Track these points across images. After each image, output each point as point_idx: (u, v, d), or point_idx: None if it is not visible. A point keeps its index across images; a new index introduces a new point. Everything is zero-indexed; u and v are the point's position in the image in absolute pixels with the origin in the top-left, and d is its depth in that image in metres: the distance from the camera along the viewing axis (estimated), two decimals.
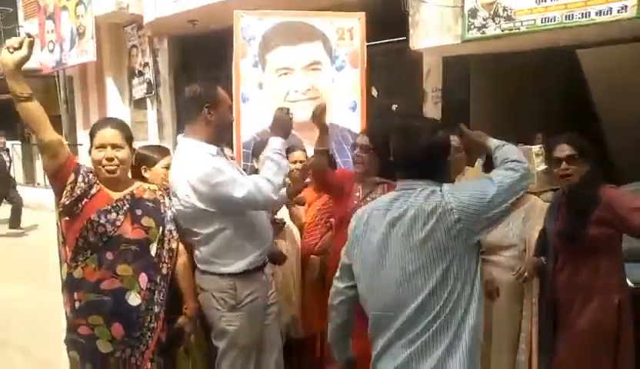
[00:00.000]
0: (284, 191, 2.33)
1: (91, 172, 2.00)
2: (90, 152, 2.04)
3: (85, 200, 1.95)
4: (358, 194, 2.66)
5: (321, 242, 2.90)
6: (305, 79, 3.44)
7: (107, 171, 2.00)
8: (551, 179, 3.00)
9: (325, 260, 2.85)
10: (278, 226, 2.74)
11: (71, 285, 1.99)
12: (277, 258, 2.54)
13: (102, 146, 1.99)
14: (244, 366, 2.23)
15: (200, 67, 7.42)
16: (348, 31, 3.43)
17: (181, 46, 7.72)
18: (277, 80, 3.45)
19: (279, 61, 3.44)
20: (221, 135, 2.26)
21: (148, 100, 8.11)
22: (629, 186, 3.28)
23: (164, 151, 2.56)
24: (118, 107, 8.55)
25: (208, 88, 2.19)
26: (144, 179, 2.32)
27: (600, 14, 3.78)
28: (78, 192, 1.94)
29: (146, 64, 7.95)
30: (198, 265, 2.24)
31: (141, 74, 8.10)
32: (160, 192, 2.19)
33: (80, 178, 1.95)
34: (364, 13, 3.51)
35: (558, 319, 2.44)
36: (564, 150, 2.39)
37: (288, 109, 2.33)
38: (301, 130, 3.23)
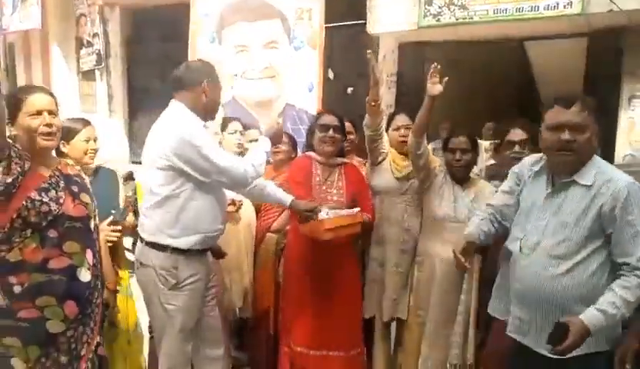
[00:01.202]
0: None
1: (17, 147, 1.82)
2: (14, 122, 1.85)
3: (20, 178, 1.78)
4: (318, 179, 2.72)
5: (277, 221, 2.94)
6: (263, 57, 3.42)
7: (45, 139, 1.86)
8: (499, 171, 3.17)
9: (280, 238, 2.89)
10: (236, 207, 2.76)
11: (2, 269, 1.80)
12: (215, 253, 2.51)
13: (38, 113, 1.84)
14: (180, 347, 2.25)
15: (154, 39, 7.19)
16: (307, 11, 3.43)
17: (134, 17, 7.44)
18: (234, 57, 3.42)
19: (236, 37, 3.42)
20: (210, 113, 2.31)
21: (97, 71, 7.79)
22: None
23: (85, 122, 2.45)
24: (64, 77, 8.18)
25: (209, 66, 2.31)
26: (61, 155, 2.22)
27: (548, 9, 3.96)
28: (19, 169, 1.77)
29: (95, 35, 7.60)
30: (145, 236, 2.24)
31: (90, 44, 7.75)
32: (78, 167, 2.11)
33: (13, 154, 1.77)
34: None
35: None
36: (517, 134, 2.55)
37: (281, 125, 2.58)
38: (256, 108, 3.24)
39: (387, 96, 5.42)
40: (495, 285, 2.23)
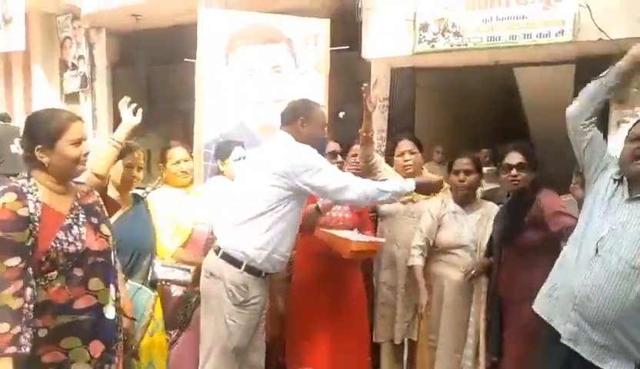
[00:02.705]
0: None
1: (29, 187, 1.74)
2: (53, 148, 1.76)
3: (37, 226, 1.70)
4: (319, 203, 2.73)
5: None
6: (269, 81, 3.42)
7: (82, 167, 1.86)
8: (493, 196, 3.21)
9: (289, 266, 2.86)
10: None
11: None
12: None
13: (79, 141, 1.81)
14: (229, 365, 2.30)
15: (141, 63, 7.16)
16: (314, 36, 3.45)
17: (121, 41, 7.41)
18: (240, 80, 3.41)
19: (243, 61, 3.41)
20: (312, 146, 2.40)
21: (81, 94, 7.69)
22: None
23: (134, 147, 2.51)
24: (47, 100, 8.02)
25: (306, 104, 2.52)
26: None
27: (540, 36, 4.09)
28: (37, 219, 1.70)
29: (80, 57, 7.52)
30: (223, 246, 2.30)
31: (74, 67, 7.66)
32: (95, 192, 2.05)
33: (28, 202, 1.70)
34: (329, 20, 3.56)
35: (503, 317, 2.60)
36: (514, 157, 2.60)
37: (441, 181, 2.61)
38: (263, 132, 3.23)
39: (379, 120, 5.48)
40: (549, 284, 2.17)
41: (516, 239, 2.53)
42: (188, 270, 2.51)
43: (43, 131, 1.78)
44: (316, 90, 3.53)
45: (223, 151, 2.91)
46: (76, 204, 1.85)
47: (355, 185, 2.28)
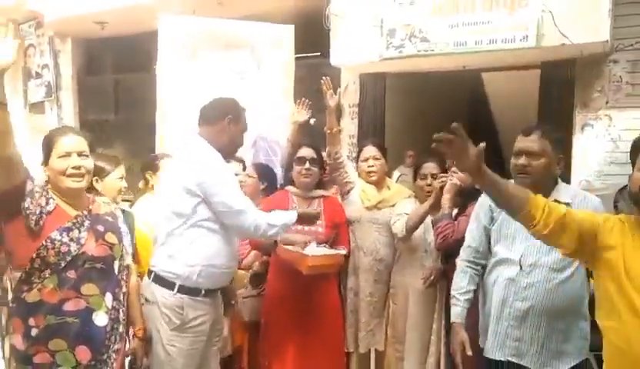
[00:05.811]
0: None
1: (45, 188, 1.87)
2: (47, 163, 1.89)
3: (43, 217, 1.80)
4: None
5: (247, 259, 2.85)
6: (233, 88, 3.36)
7: (73, 180, 1.86)
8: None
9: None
10: None
11: (24, 311, 1.81)
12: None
13: (67, 154, 1.86)
14: None
15: (107, 71, 7.04)
16: (278, 41, 3.41)
17: (87, 48, 7.27)
18: (204, 87, 3.33)
19: (205, 68, 3.34)
20: (230, 150, 2.31)
21: (46, 104, 7.51)
22: None
23: (116, 161, 2.50)
24: (11, 109, 7.80)
25: (235, 104, 2.33)
26: (94, 191, 2.23)
27: (505, 42, 4.13)
28: (38, 211, 1.79)
29: (45, 66, 7.35)
30: (153, 267, 2.16)
31: (39, 75, 7.47)
32: (114, 205, 2.13)
33: (37, 195, 1.80)
34: (293, 25, 3.53)
35: None
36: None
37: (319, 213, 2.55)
38: None
39: (349, 126, 5.47)
40: (482, 322, 2.19)
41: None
42: None
43: (42, 147, 1.92)
44: (281, 96, 3.48)
45: (151, 164, 2.86)
46: (85, 212, 1.91)
47: (249, 213, 2.14)
